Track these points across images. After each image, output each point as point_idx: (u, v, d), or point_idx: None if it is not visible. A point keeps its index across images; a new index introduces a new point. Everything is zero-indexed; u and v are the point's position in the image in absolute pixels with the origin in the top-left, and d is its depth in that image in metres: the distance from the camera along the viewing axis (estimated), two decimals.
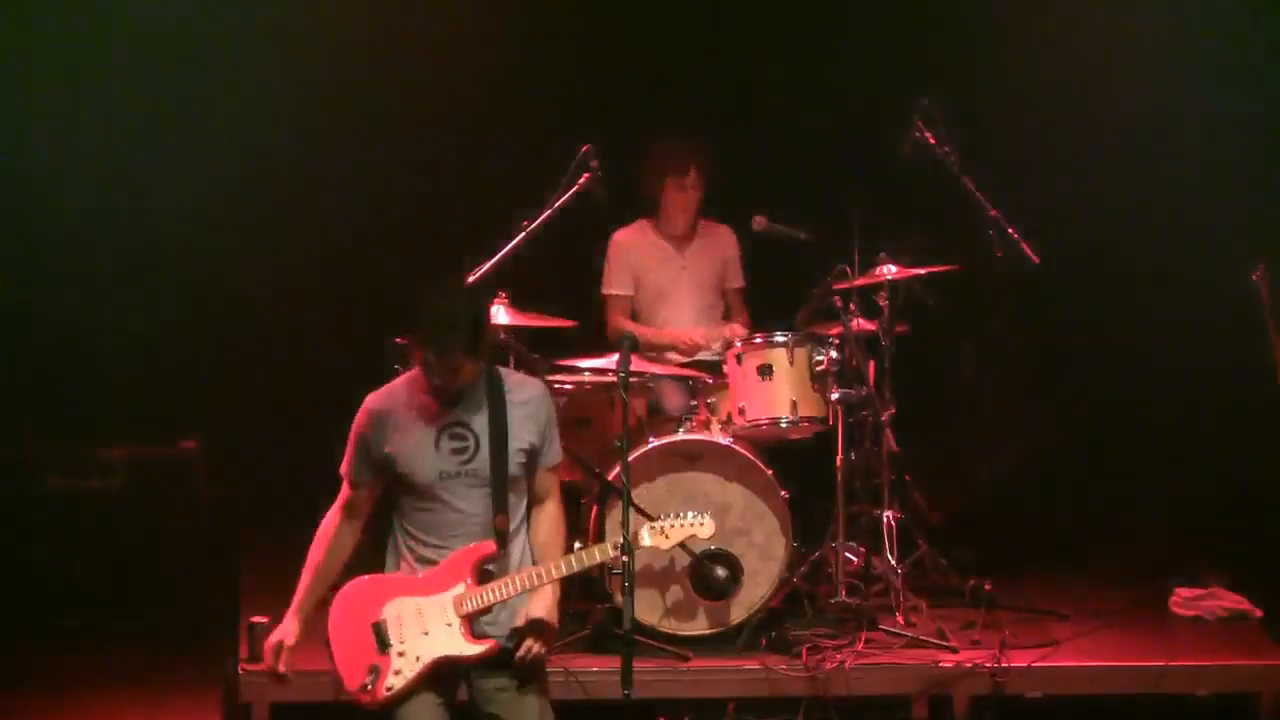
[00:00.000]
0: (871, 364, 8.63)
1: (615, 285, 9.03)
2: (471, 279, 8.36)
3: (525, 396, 6.51)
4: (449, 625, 6.42)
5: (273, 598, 8.77)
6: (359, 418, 6.54)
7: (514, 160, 9.95)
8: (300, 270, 10.23)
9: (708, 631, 8.33)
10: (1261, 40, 9.97)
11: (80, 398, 9.99)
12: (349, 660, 6.49)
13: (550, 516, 6.61)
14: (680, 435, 8.39)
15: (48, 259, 10.09)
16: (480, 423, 6.44)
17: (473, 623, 6.44)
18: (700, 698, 8.08)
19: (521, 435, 6.46)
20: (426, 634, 6.42)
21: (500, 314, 8.74)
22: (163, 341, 10.18)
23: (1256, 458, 9.42)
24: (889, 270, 8.75)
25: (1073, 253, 9.85)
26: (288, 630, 6.61)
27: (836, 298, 8.53)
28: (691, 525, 6.57)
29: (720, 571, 8.24)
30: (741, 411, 8.45)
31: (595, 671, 7.79)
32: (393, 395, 6.53)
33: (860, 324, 8.69)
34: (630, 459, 6.75)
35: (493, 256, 8.51)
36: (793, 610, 8.51)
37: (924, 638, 8.28)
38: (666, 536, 6.56)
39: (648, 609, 8.25)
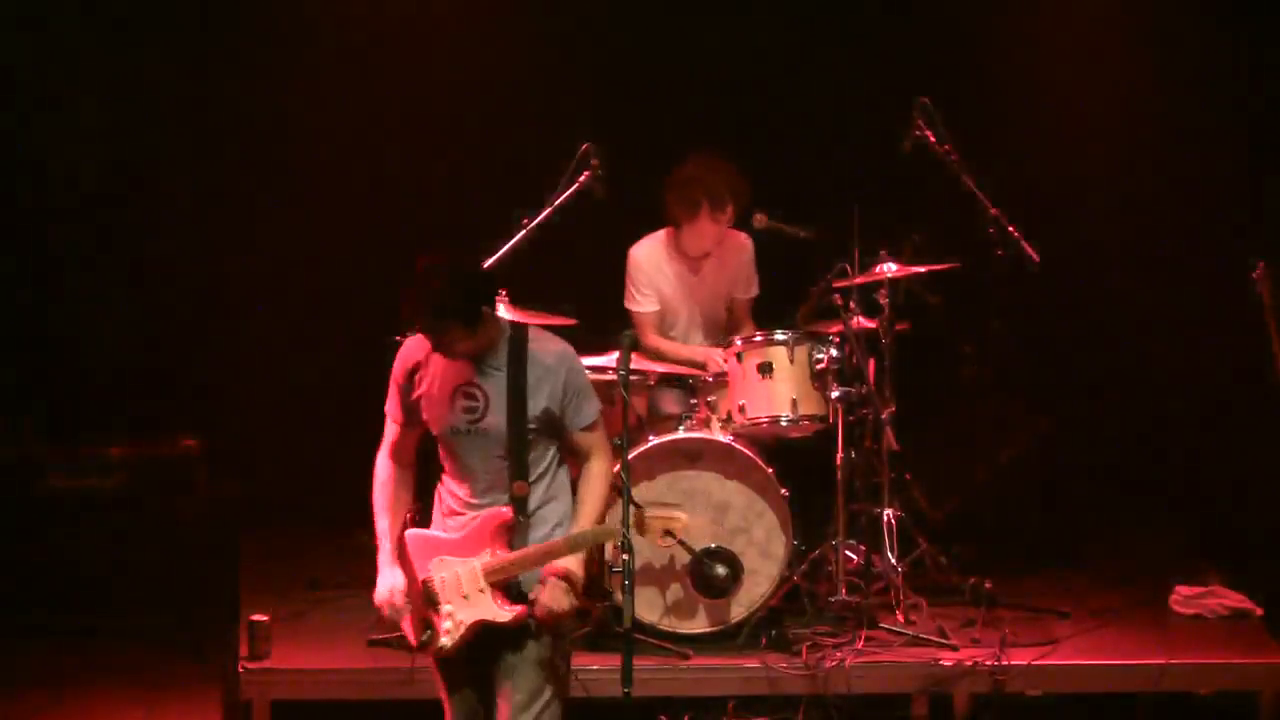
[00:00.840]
0: (871, 362, 8.62)
1: (642, 302, 8.91)
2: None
3: (545, 361, 6.49)
4: (481, 591, 6.45)
5: (273, 594, 8.83)
6: (396, 360, 6.62)
7: (514, 160, 9.95)
8: (300, 270, 10.23)
9: (708, 629, 8.33)
10: (1262, 37, 9.99)
11: (80, 398, 9.98)
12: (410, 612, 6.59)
13: (590, 474, 6.56)
14: (680, 434, 8.39)
15: (48, 258, 10.10)
16: (493, 385, 6.45)
17: (504, 588, 6.46)
18: (700, 696, 8.09)
19: (536, 400, 6.46)
20: (465, 598, 6.46)
21: (500, 312, 8.74)
22: (163, 341, 10.18)
23: (1256, 456, 9.42)
24: (889, 268, 8.74)
25: (1073, 252, 9.87)
26: (391, 576, 6.57)
27: (837, 296, 8.52)
28: (667, 516, 6.51)
29: (720, 570, 8.24)
30: (741, 409, 8.44)
31: (595, 669, 7.79)
32: (422, 345, 6.55)
33: (860, 322, 8.68)
34: (630, 457, 6.73)
35: (493, 255, 8.51)
36: (793, 608, 8.50)
37: (924, 636, 8.28)
38: (646, 527, 6.51)
39: (648, 607, 8.25)
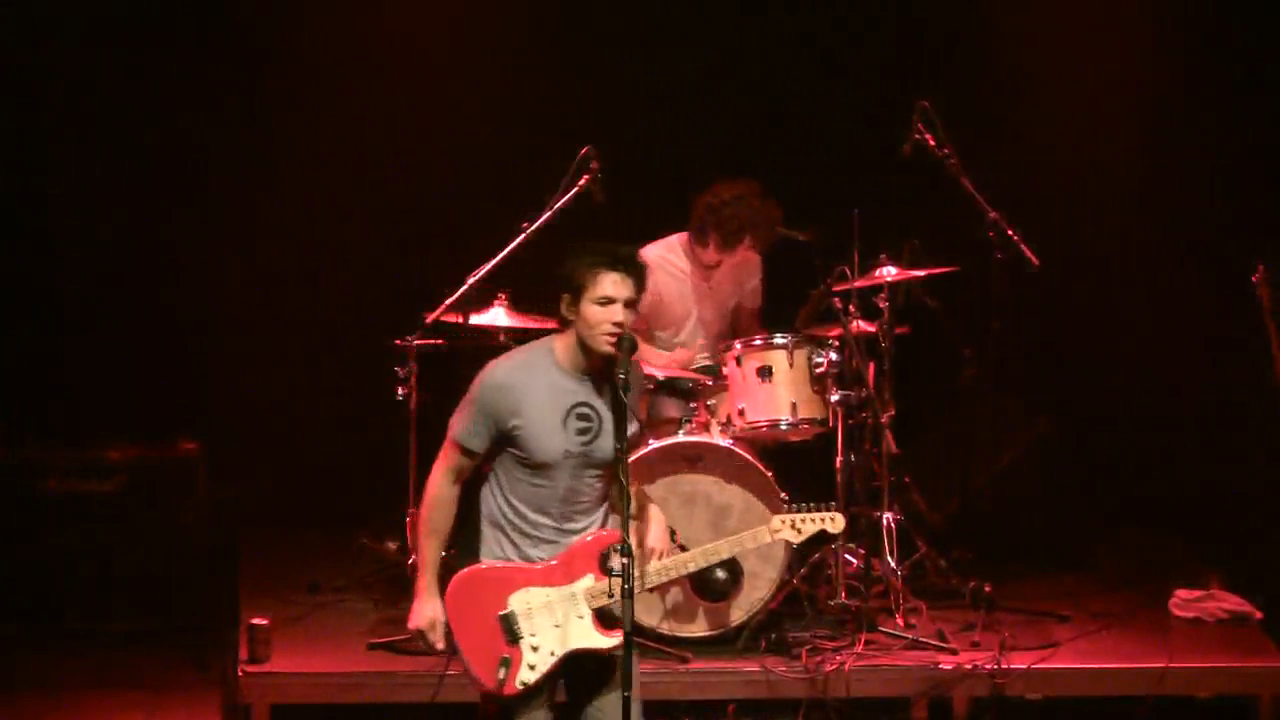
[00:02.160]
0: (871, 365, 8.62)
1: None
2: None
3: (635, 372, 6.41)
4: (580, 618, 6.28)
5: (273, 598, 8.83)
6: (484, 387, 6.32)
7: (514, 160, 9.95)
8: (300, 273, 10.23)
9: (707, 633, 8.33)
10: (1261, 38, 9.99)
11: (81, 400, 9.98)
12: (476, 652, 6.31)
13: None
14: (680, 437, 8.38)
15: (48, 261, 10.10)
16: (603, 404, 6.31)
17: (602, 613, 6.33)
18: (700, 699, 8.09)
19: (635, 413, 6.38)
20: (558, 627, 6.28)
21: (500, 315, 8.76)
22: (163, 344, 10.18)
23: (1256, 458, 9.42)
24: (889, 272, 8.75)
25: (1072, 254, 9.87)
26: (434, 607, 6.35)
27: (836, 299, 8.53)
28: (823, 520, 6.47)
29: (720, 573, 8.24)
30: (741, 413, 8.44)
31: None
32: (523, 367, 6.34)
33: (860, 325, 8.69)
34: (630, 460, 6.70)
35: (493, 258, 8.51)
36: (792, 612, 8.50)
37: (923, 639, 8.28)
38: (798, 531, 6.48)
39: (647, 611, 8.24)
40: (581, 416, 6.29)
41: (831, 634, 8.33)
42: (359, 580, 9.15)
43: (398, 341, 8.60)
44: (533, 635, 6.28)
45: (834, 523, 6.50)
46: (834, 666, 8.05)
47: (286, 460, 10.09)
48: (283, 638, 8.26)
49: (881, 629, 8.35)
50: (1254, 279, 8.41)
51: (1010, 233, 8.74)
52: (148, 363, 10.13)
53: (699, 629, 8.32)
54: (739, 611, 8.31)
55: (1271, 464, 9.23)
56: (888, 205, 8.87)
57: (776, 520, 6.49)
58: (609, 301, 6.23)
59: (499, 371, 6.34)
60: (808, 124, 10.18)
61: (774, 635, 8.27)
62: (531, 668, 6.27)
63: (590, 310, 6.24)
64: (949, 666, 8.10)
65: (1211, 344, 9.94)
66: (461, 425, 6.34)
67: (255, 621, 8.09)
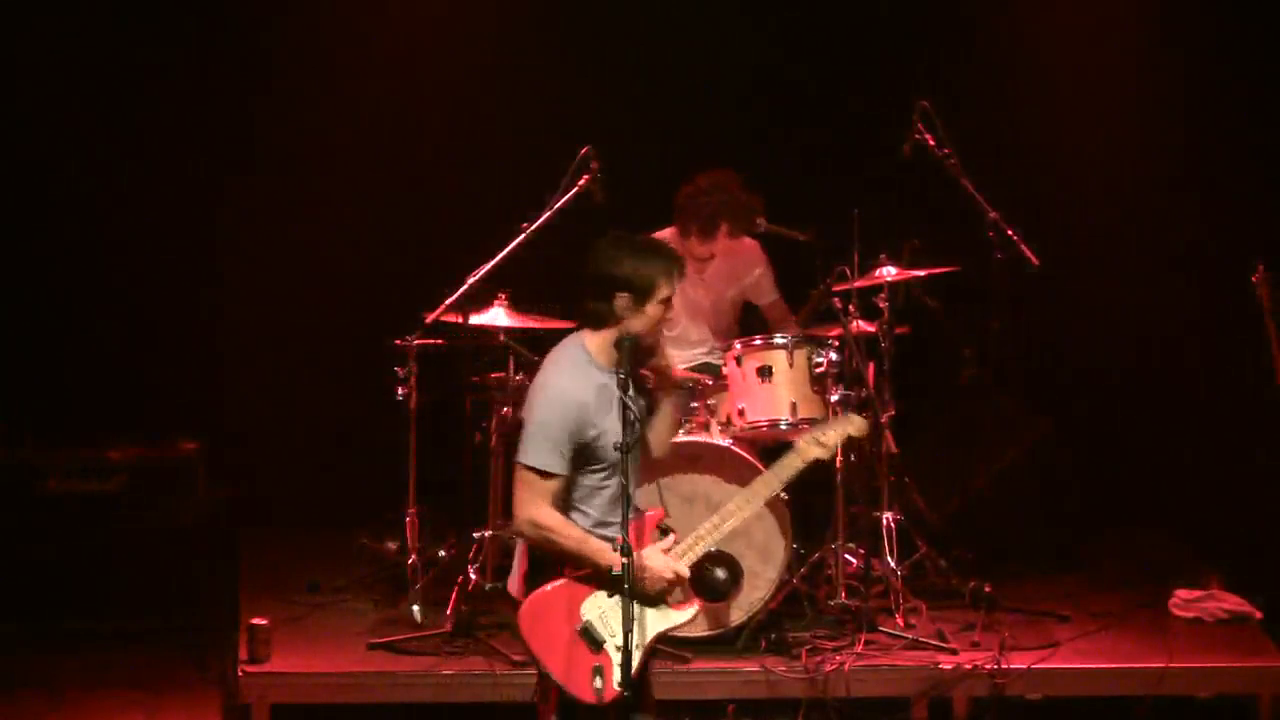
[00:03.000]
0: (871, 365, 8.62)
1: None
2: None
3: (643, 354, 6.52)
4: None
5: (273, 598, 8.83)
6: (562, 408, 6.31)
7: (514, 160, 9.95)
8: (300, 271, 10.23)
9: (707, 633, 8.33)
10: (1262, 38, 9.99)
11: (80, 401, 9.99)
12: (568, 670, 6.33)
13: None
14: (680, 437, 8.38)
15: (48, 261, 10.10)
16: (637, 395, 6.43)
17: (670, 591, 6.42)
18: (700, 699, 8.09)
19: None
20: (634, 619, 6.28)
21: (500, 315, 8.76)
22: (163, 345, 10.18)
23: (1256, 459, 9.42)
24: (888, 272, 8.75)
25: (1072, 254, 9.87)
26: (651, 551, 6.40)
27: (836, 299, 8.53)
28: (844, 425, 6.66)
29: (719, 573, 8.24)
30: (741, 413, 8.44)
31: None
32: (578, 377, 6.38)
33: (860, 325, 8.69)
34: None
35: (493, 257, 8.52)
36: (792, 612, 8.51)
37: (923, 639, 8.29)
38: (824, 445, 6.61)
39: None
40: (627, 410, 6.34)
41: (831, 634, 8.34)
42: (359, 580, 9.16)
43: (398, 341, 8.60)
44: (613, 636, 6.31)
45: (854, 424, 6.69)
46: (834, 666, 8.05)
47: (286, 460, 10.10)
48: (283, 638, 8.27)
49: (881, 629, 8.35)
50: (1254, 279, 8.41)
51: (1010, 233, 8.76)
52: (148, 363, 10.14)
53: (699, 629, 8.30)
54: (739, 611, 8.31)
55: (1272, 464, 9.22)
56: (888, 205, 8.88)
57: (800, 442, 6.62)
58: (669, 301, 6.45)
59: (564, 388, 6.35)
60: (808, 124, 10.18)
61: (774, 635, 8.28)
62: (622, 666, 6.29)
63: (656, 310, 6.42)
64: (949, 666, 8.10)
65: (1211, 344, 9.94)
66: (544, 455, 6.33)
67: (255, 621, 8.10)
